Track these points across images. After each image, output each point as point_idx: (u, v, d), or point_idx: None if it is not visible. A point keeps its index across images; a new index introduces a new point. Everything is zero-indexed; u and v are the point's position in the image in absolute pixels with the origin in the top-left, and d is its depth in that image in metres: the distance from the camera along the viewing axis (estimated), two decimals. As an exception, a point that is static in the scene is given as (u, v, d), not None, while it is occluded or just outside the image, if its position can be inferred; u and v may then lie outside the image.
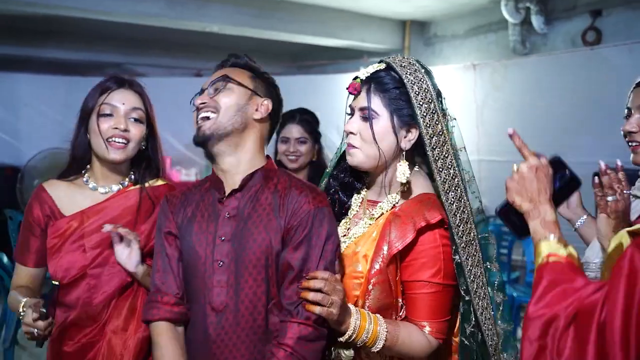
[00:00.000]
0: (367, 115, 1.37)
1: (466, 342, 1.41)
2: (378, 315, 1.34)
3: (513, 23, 5.75)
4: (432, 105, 1.37)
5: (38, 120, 6.19)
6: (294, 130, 2.57)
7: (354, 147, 1.40)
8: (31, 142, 5.70)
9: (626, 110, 1.62)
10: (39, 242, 1.63)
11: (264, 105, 1.45)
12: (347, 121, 1.43)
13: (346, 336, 1.30)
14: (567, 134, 4.57)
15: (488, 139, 5.40)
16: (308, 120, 2.61)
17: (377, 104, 1.37)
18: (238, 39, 6.93)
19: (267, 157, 1.50)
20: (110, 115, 1.60)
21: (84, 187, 1.66)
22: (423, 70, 1.40)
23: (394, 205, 1.42)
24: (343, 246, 1.44)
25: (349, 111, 1.44)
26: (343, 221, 1.51)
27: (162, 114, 6.38)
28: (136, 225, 1.62)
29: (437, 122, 1.37)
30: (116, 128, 1.58)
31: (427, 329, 1.34)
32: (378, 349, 1.32)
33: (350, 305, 1.32)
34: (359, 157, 1.40)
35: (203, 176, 6.33)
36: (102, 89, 1.62)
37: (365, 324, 1.30)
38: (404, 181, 1.37)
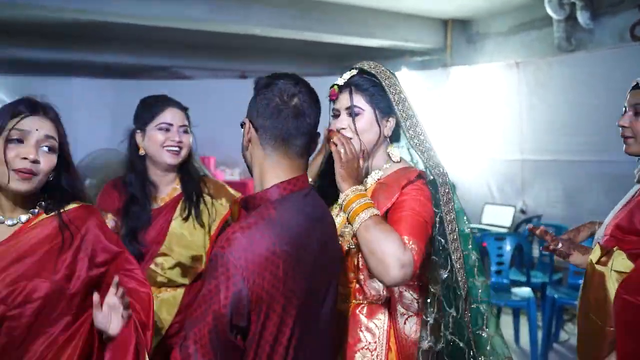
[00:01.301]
0: (351, 112, 1.59)
1: (437, 290, 1.58)
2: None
3: (557, 19, 5.65)
4: (402, 95, 1.62)
5: (90, 122, 6.45)
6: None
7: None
8: (83, 143, 5.95)
9: (623, 108, 1.90)
10: None
11: None
12: (334, 122, 1.63)
13: (340, 199, 1.48)
14: (616, 133, 4.46)
15: (532, 138, 5.33)
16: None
17: (360, 101, 1.59)
18: (281, 41, 7.04)
19: None
20: (20, 141, 1.42)
21: None
22: (388, 72, 1.64)
23: (378, 179, 1.63)
24: (338, 220, 1.60)
25: (332, 114, 1.65)
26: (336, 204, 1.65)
27: (207, 115, 6.52)
28: (59, 255, 1.45)
29: (408, 108, 1.62)
30: (25, 158, 1.41)
31: (406, 238, 1.40)
32: (358, 225, 1.41)
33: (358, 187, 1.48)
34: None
35: (247, 176, 6.47)
36: (13, 112, 1.44)
37: (359, 198, 1.44)
38: (398, 160, 1.64)
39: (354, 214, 1.42)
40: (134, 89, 6.90)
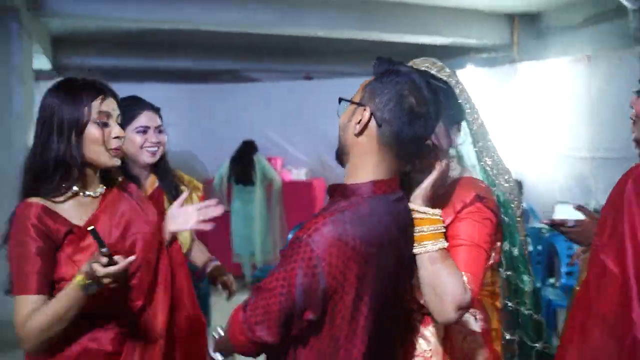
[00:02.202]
0: None
1: (510, 305, 1.52)
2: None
3: (633, 9, 5.42)
4: (466, 95, 1.50)
5: (165, 125, 6.72)
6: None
7: None
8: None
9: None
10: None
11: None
12: None
13: (414, 214, 1.33)
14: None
15: (602, 135, 5.13)
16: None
17: None
18: (344, 42, 7.11)
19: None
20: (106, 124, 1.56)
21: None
22: (447, 69, 1.51)
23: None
24: None
25: None
26: None
27: (273, 117, 6.67)
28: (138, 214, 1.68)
29: (473, 110, 1.50)
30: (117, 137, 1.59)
31: (465, 277, 1.31)
32: (423, 251, 1.31)
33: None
34: None
35: (313, 176, 6.58)
36: (92, 96, 1.55)
37: (434, 223, 1.32)
38: (457, 171, 1.53)
39: (423, 237, 1.31)
40: (204, 93, 7.20)
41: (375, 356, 1.28)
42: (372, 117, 1.25)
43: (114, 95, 1.61)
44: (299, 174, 6.46)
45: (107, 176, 1.65)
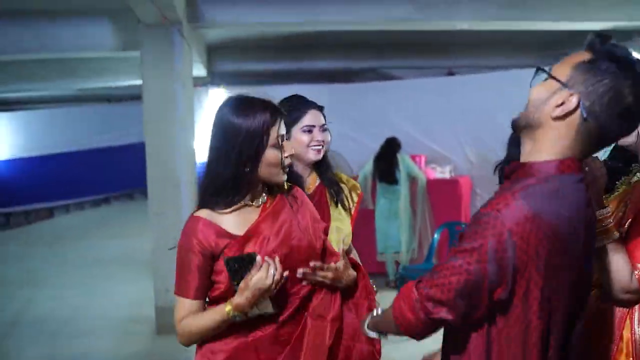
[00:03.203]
0: None
1: None
2: None
3: None
4: None
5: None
6: None
7: None
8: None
9: None
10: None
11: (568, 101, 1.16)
12: None
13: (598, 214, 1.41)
14: None
15: None
16: None
17: None
18: (486, 34, 6.81)
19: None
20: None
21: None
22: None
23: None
24: None
25: None
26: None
27: (416, 114, 6.58)
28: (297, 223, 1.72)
29: None
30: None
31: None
32: (607, 242, 1.43)
33: None
34: None
35: (458, 174, 6.40)
36: (271, 120, 1.62)
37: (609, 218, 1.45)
38: None
39: (609, 230, 1.41)
40: (345, 92, 7.30)
41: (564, 338, 1.23)
42: (579, 105, 1.14)
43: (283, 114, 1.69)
44: (443, 172, 6.32)
45: (270, 185, 1.71)
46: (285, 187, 1.75)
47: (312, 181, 2.24)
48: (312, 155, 2.16)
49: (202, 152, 6.21)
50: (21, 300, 6.04)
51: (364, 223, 5.90)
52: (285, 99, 2.18)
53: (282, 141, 1.62)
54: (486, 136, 6.26)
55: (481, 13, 5.60)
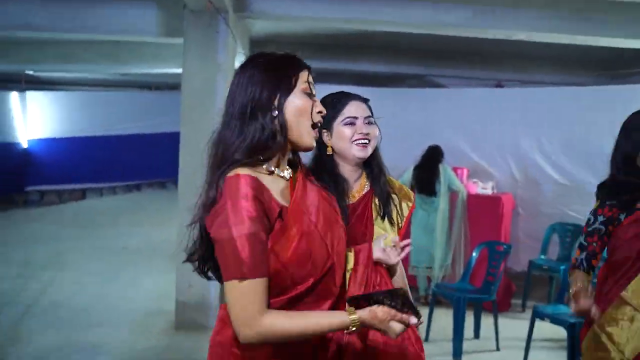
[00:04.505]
0: None
1: None
2: None
3: None
4: None
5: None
6: None
7: None
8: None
9: None
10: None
11: None
12: None
13: None
14: None
15: None
16: None
17: None
18: (539, 47, 6.51)
19: None
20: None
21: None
22: None
23: None
24: None
25: None
26: None
27: (460, 125, 6.31)
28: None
29: None
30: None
31: None
32: None
33: None
34: None
35: (501, 191, 6.09)
36: (300, 66, 1.50)
37: None
38: None
39: None
40: (388, 96, 7.05)
41: None
42: None
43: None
44: (485, 187, 6.02)
45: (291, 160, 1.54)
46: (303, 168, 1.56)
47: (360, 187, 1.96)
48: (357, 152, 1.88)
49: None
50: (43, 281, 5.98)
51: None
52: (327, 94, 1.98)
53: (312, 91, 1.47)
54: (534, 154, 5.97)
55: (541, 24, 5.30)
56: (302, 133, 1.44)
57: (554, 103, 5.96)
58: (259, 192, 1.33)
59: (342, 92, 1.98)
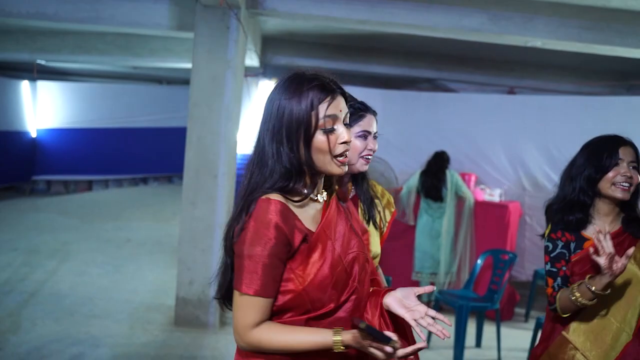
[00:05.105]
0: None
1: None
2: None
3: None
4: None
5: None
6: None
7: None
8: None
9: None
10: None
11: None
12: None
13: None
14: None
15: None
16: None
17: None
18: (556, 55, 6.43)
19: None
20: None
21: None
22: None
23: None
24: None
25: None
26: None
27: (469, 131, 6.25)
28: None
29: None
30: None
31: None
32: None
33: None
34: None
35: (508, 198, 6.04)
36: (319, 97, 1.45)
37: None
38: None
39: None
40: (400, 98, 7.01)
41: None
42: None
43: (342, 92, 1.49)
44: (492, 195, 5.96)
45: (326, 182, 1.58)
46: (343, 186, 1.65)
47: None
48: (360, 166, 1.96)
49: (244, 143, 6.03)
50: (47, 270, 5.98)
51: (402, 238, 5.62)
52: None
53: (333, 123, 1.44)
54: (544, 163, 5.91)
55: (559, 32, 5.23)
56: (326, 164, 1.46)
57: (568, 112, 5.89)
58: (284, 219, 1.39)
59: (361, 103, 2.00)
